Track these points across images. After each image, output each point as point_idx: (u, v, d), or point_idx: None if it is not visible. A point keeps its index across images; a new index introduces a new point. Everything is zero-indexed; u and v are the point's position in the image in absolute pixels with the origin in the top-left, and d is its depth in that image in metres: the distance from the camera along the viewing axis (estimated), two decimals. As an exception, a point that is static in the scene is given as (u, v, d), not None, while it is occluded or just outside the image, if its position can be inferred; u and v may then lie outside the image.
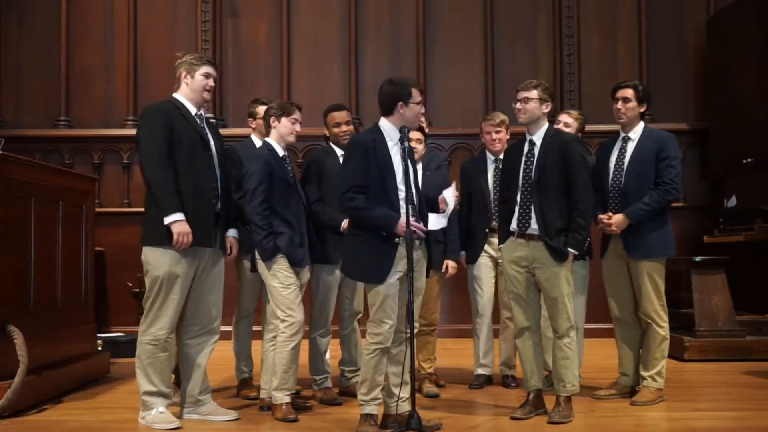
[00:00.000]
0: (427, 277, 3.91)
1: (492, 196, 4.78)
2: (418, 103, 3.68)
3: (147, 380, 3.84)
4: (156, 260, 3.79)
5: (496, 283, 4.87)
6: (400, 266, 3.58)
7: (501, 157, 4.67)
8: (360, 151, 3.62)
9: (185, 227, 3.73)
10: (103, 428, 3.87)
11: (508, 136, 4.86)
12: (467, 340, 5.44)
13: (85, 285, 5.02)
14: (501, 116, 4.87)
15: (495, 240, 4.70)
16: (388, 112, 3.70)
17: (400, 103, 3.66)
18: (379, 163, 3.60)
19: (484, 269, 4.85)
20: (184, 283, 3.82)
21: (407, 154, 3.70)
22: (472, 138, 7.07)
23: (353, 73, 7.57)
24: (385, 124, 3.71)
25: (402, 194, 3.61)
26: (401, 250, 3.57)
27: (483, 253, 4.84)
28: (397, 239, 3.57)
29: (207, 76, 3.96)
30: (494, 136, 4.81)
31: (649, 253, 4.28)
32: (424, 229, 3.65)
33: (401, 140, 3.74)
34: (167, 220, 3.71)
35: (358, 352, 4.56)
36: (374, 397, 3.64)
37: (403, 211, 3.58)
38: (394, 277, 3.58)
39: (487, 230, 4.81)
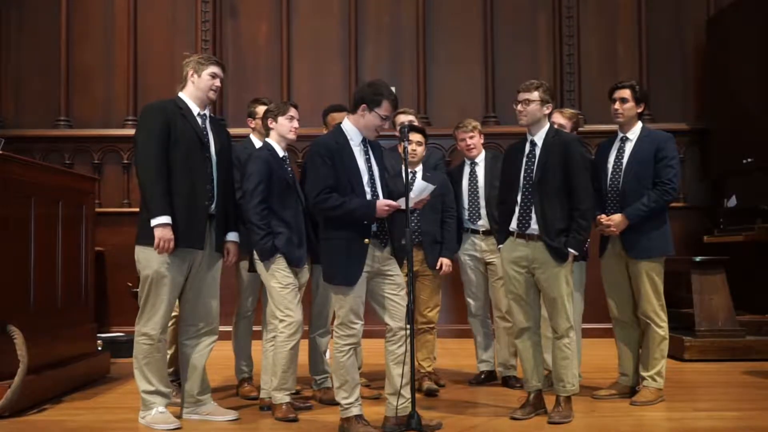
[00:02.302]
0: (419, 275, 3.85)
1: (466, 199, 4.89)
2: (382, 117, 3.64)
3: (145, 380, 3.85)
4: (146, 259, 3.80)
5: (487, 281, 4.95)
6: (366, 265, 3.60)
7: (476, 160, 4.92)
8: (325, 154, 3.62)
9: (167, 233, 3.72)
10: (103, 428, 3.87)
11: (482, 140, 5.00)
12: (467, 340, 5.45)
13: (85, 285, 5.02)
14: (473, 122, 4.99)
15: (476, 239, 4.88)
16: (353, 110, 3.70)
17: (364, 105, 3.65)
18: (344, 165, 3.61)
19: (467, 270, 4.96)
20: (173, 283, 3.82)
21: (374, 153, 3.72)
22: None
23: (353, 73, 7.57)
24: (347, 125, 3.72)
25: (369, 195, 3.64)
26: (369, 250, 3.60)
27: (463, 255, 4.93)
28: (367, 240, 3.57)
29: (214, 76, 3.96)
30: (468, 142, 4.92)
31: (647, 253, 4.28)
32: (396, 204, 3.61)
33: (401, 140, 3.75)
34: (153, 222, 3.72)
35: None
36: (357, 397, 3.64)
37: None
38: (362, 278, 3.60)
39: (463, 231, 4.91)
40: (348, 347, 3.62)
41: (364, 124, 3.67)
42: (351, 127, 3.71)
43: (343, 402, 3.63)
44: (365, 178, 3.65)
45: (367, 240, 3.58)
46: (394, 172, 4.37)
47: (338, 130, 3.73)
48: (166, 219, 3.72)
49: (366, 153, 3.70)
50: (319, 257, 4.19)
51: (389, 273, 3.69)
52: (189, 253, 3.85)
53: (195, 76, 3.95)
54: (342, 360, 3.61)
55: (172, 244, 3.73)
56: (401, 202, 3.64)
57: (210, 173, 3.90)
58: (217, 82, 3.98)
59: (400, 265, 3.76)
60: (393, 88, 3.74)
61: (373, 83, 3.73)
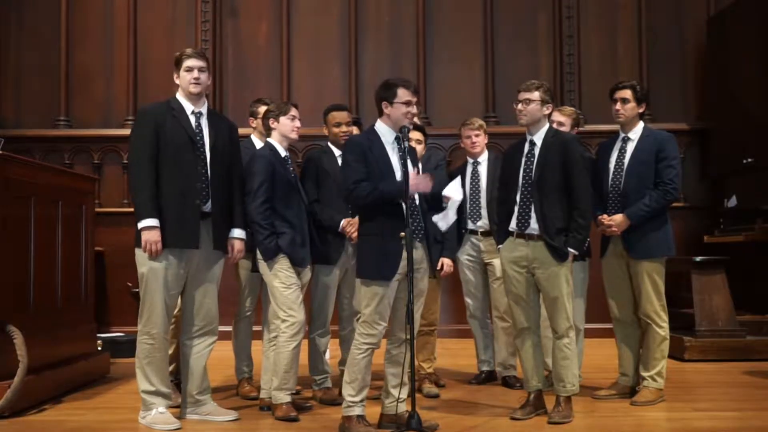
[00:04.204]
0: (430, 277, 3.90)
1: (468, 198, 4.90)
2: (405, 103, 3.68)
3: (145, 380, 3.85)
4: (143, 258, 3.80)
5: (487, 282, 4.95)
6: (401, 268, 3.59)
7: (479, 159, 4.95)
8: (357, 151, 3.66)
9: (153, 235, 3.72)
10: (103, 428, 3.87)
11: (486, 140, 5.01)
12: (467, 340, 5.45)
13: (85, 285, 5.02)
14: (479, 121, 5.03)
15: (475, 240, 4.90)
16: (380, 113, 3.77)
17: (385, 103, 3.71)
18: (376, 158, 3.64)
19: (465, 270, 4.97)
20: (167, 282, 3.82)
21: (407, 153, 3.71)
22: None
23: (353, 73, 7.57)
24: (379, 125, 3.76)
25: None
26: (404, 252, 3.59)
27: (462, 255, 4.94)
28: (402, 233, 3.55)
29: (189, 69, 3.92)
30: (474, 139, 4.94)
31: (649, 253, 4.28)
32: (427, 185, 3.63)
33: (401, 139, 3.75)
34: (139, 225, 3.73)
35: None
36: (363, 398, 3.64)
37: (402, 209, 3.60)
38: (394, 283, 3.60)
39: (463, 231, 4.92)
40: (367, 347, 3.61)
41: (394, 118, 3.71)
42: (382, 126, 3.75)
43: (348, 398, 3.63)
44: (398, 176, 3.65)
45: (402, 233, 3.55)
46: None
47: (372, 129, 3.78)
48: (151, 222, 3.73)
49: (400, 151, 3.72)
50: (321, 257, 4.22)
51: (416, 277, 3.63)
52: (185, 252, 3.85)
53: (177, 77, 3.96)
54: (358, 357, 3.61)
55: (159, 246, 3.73)
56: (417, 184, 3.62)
57: (203, 171, 3.87)
58: (195, 74, 3.92)
59: (434, 267, 3.79)
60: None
61: (384, 82, 3.78)
